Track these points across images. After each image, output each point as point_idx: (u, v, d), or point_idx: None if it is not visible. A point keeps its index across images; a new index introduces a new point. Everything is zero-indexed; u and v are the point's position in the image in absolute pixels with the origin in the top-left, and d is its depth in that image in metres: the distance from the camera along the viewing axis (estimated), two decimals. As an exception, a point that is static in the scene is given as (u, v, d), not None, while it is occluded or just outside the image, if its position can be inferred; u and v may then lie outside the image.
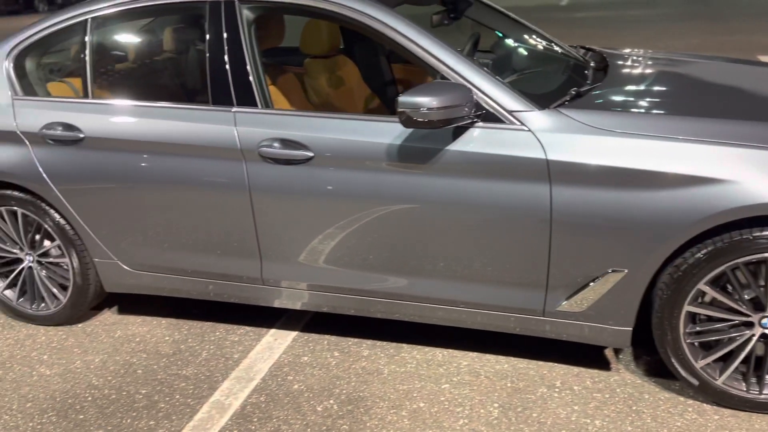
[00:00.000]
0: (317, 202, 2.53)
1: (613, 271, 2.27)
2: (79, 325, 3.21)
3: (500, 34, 3.40)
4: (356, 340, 2.94)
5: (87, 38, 2.88)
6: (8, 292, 3.24)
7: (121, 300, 3.41)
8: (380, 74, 3.98)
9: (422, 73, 4.00)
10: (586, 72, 2.90)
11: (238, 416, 2.51)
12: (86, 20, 2.88)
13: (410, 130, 2.37)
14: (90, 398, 2.67)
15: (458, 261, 2.46)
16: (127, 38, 3.07)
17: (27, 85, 2.97)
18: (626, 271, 2.26)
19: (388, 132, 2.41)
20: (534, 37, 3.30)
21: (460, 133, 2.32)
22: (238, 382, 2.70)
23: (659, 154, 2.14)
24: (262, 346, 2.94)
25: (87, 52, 2.87)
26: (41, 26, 2.96)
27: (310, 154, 2.48)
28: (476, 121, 2.31)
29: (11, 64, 2.97)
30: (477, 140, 2.30)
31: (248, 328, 3.09)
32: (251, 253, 2.73)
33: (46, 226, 2.98)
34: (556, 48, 3.16)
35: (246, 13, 2.66)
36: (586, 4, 15.51)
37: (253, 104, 2.60)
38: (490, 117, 2.32)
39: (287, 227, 2.62)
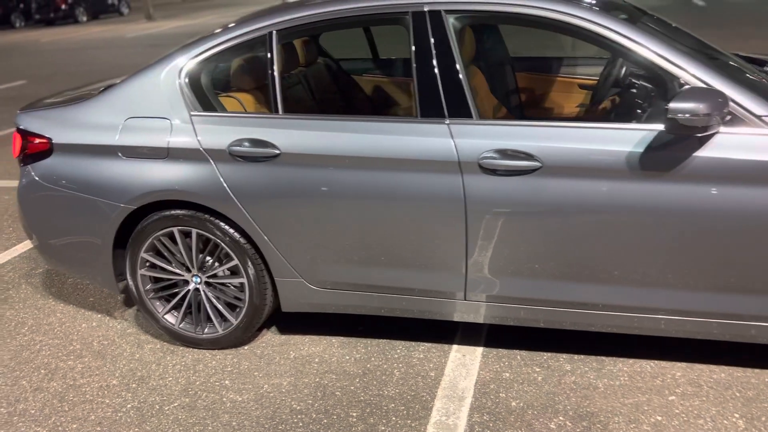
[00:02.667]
0: (542, 214, 2.48)
1: None
2: (246, 348, 3.10)
3: None
4: (549, 354, 2.88)
5: (271, 52, 2.79)
6: (168, 316, 3.11)
7: (278, 320, 3.31)
8: (506, 83, 3.95)
9: (547, 82, 3.98)
10: None
11: (471, 437, 2.43)
12: (270, 33, 2.79)
13: (651, 137, 2.34)
14: (301, 424, 2.57)
15: (690, 269, 2.42)
16: (310, 51, 2.98)
17: (204, 100, 2.86)
18: None
19: (624, 140, 2.37)
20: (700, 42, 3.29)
21: (707, 140, 2.29)
22: (450, 401, 2.62)
23: None
24: (454, 362, 2.87)
25: (274, 66, 2.78)
26: (217, 40, 2.86)
27: (537, 164, 2.43)
28: (721, 127, 2.29)
29: (186, 80, 2.87)
30: (726, 146, 2.28)
31: (428, 344, 3.01)
32: (456, 268, 2.66)
33: (224, 245, 2.88)
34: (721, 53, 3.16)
35: (453, 23, 2.60)
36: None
37: (468, 115, 2.55)
38: (737, 122, 2.30)
39: (502, 240, 2.56)
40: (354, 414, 2.60)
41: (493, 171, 2.49)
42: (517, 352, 2.92)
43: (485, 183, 2.50)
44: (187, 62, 2.88)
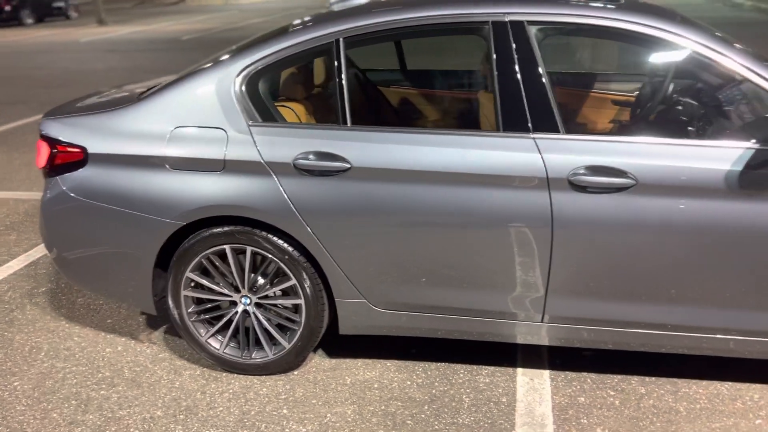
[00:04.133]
0: (632, 233, 2.39)
1: None
2: (296, 373, 2.91)
3: None
4: (620, 376, 2.80)
5: (338, 60, 2.63)
6: (212, 341, 2.90)
7: (323, 343, 3.12)
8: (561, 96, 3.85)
9: (580, 97, 3.92)
10: None
11: (565, 467, 2.31)
12: (336, 41, 2.64)
13: (749, 155, 2.29)
14: (379, 456, 2.41)
15: None
16: (383, 61, 2.83)
17: (263, 110, 2.68)
18: None
19: (723, 158, 2.31)
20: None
21: None
22: (531, 429, 2.50)
23: None
24: (523, 387, 2.75)
25: (342, 75, 2.62)
26: (277, 46, 2.68)
27: (631, 181, 2.35)
28: None
29: (243, 87, 2.68)
30: None
31: (490, 368, 2.89)
32: (535, 289, 2.55)
33: (281, 264, 2.69)
34: None
35: (536, 34, 2.51)
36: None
37: (555, 130, 2.45)
38: None
39: (588, 259, 2.46)
40: (433, 445, 2.46)
41: (583, 188, 2.39)
42: (585, 374, 2.82)
43: (575, 200, 2.41)
44: (243, 69, 2.68)
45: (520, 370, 2.86)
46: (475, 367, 2.90)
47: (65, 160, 2.82)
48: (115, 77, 11.13)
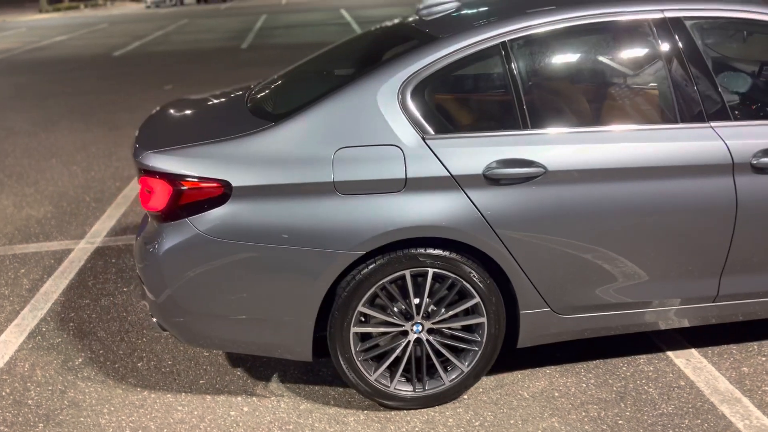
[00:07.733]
0: (806, 205, 2.60)
1: None
2: (466, 398, 2.75)
3: None
4: (757, 343, 3.02)
5: (510, 63, 2.54)
6: (381, 378, 2.64)
7: (466, 362, 2.97)
8: None
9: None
10: None
11: (792, 432, 2.46)
12: (503, 43, 2.54)
13: None
14: (628, 461, 2.36)
15: None
16: (555, 60, 2.73)
17: (435, 121, 2.49)
18: None
19: None
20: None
21: None
22: (731, 405, 2.62)
23: None
24: (688, 368, 2.87)
25: (516, 78, 2.53)
26: (439, 53, 2.51)
27: (806, 160, 2.56)
28: None
29: (410, 99, 2.47)
30: None
31: (642, 357, 2.96)
32: (714, 270, 2.67)
33: (465, 282, 2.53)
34: None
35: (694, 28, 2.63)
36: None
37: (726, 117, 2.59)
38: None
39: (764, 236, 2.63)
40: (663, 438, 2.47)
41: (762, 170, 2.55)
42: (725, 347, 3.00)
43: (757, 182, 2.56)
44: (406, 79, 2.48)
45: (670, 354, 2.97)
46: (629, 358, 2.95)
47: (197, 198, 2.40)
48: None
